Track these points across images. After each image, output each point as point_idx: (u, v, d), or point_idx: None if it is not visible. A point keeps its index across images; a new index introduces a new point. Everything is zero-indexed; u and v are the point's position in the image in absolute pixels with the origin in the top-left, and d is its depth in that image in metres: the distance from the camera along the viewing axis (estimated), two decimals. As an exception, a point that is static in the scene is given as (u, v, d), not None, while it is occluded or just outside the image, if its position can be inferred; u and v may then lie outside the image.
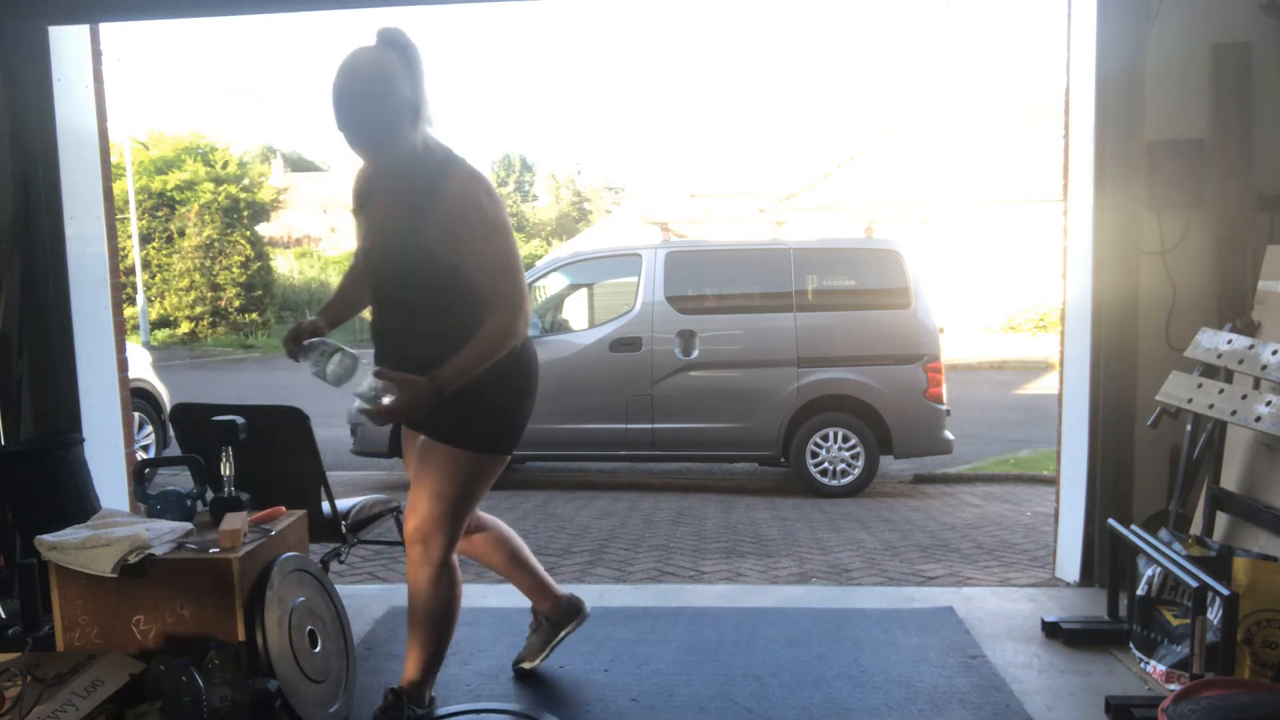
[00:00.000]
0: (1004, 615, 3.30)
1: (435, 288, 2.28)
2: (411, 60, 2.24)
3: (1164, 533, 2.93)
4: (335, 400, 9.99)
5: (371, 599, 3.54)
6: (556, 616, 2.83)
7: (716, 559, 4.33)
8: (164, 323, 23.88)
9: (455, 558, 2.42)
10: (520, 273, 2.29)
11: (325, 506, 3.29)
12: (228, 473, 2.60)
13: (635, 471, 7.30)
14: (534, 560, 2.84)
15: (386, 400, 2.18)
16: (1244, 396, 2.81)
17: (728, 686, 2.71)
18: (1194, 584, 2.37)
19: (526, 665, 2.82)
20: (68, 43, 3.76)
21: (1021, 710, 2.54)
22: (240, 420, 2.66)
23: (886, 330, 6.19)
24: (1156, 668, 2.68)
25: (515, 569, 2.79)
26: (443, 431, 2.33)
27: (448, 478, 2.33)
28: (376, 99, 2.19)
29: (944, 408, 6.26)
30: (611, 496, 6.16)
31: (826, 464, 6.22)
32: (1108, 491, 3.49)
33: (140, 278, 22.47)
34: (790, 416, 6.15)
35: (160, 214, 23.60)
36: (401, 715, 2.34)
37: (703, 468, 7.23)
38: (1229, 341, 3.00)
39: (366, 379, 2.21)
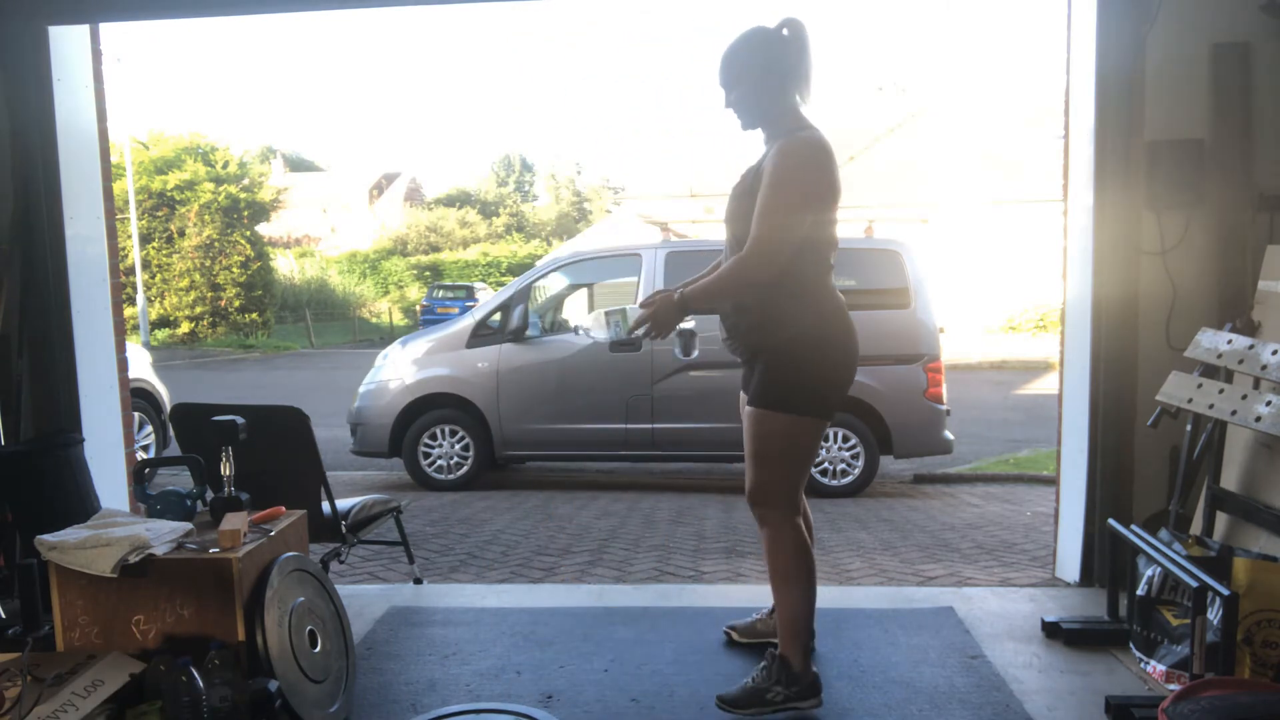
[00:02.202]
0: (1004, 615, 3.30)
1: None
2: (783, 41, 2.45)
3: (1164, 533, 2.93)
4: (335, 400, 9.95)
5: (371, 599, 3.54)
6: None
7: (716, 559, 4.33)
8: (164, 323, 23.90)
9: (798, 521, 2.52)
10: (780, 224, 2.35)
11: (325, 506, 3.29)
12: (228, 473, 2.60)
13: (635, 471, 7.30)
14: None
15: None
16: (1244, 396, 2.81)
17: (728, 686, 2.70)
18: (1194, 584, 2.37)
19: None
20: (68, 43, 3.76)
21: (1021, 710, 2.54)
22: (240, 420, 2.66)
23: (886, 330, 6.19)
24: (1156, 668, 2.68)
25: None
26: (754, 396, 2.49)
27: (762, 440, 2.46)
28: (737, 68, 2.46)
29: (944, 408, 6.26)
30: (611, 496, 6.16)
31: (826, 464, 6.22)
32: (1108, 491, 3.49)
33: (140, 278, 22.49)
34: (790, 416, 6.12)
35: (160, 214, 23.60)
36: (770, 676, 2.47)
37: (703, 468, 7.23)
38: (1229, 341, 3.00)
39: (636, 311, 2.51)
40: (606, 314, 2.58)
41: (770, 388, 2.45)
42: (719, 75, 2.52)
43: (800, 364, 2.45)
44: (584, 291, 8.16)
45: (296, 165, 52.69)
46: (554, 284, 7.48)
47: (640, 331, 2.49)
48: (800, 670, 2.49)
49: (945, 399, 6.29)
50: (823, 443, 6.19)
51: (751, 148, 2.61)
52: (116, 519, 2.49)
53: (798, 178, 2.37)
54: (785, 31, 2.46)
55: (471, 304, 17.00)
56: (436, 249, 40.09)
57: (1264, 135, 3.38)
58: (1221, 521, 3.09)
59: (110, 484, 3.80)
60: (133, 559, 2.26)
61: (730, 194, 2.54)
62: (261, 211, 24.92)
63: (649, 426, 6.32)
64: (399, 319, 31.59)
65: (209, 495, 2.64)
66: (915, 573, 4.05)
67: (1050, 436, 4.45)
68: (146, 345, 19.20)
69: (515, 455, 6.63)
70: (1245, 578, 2.47)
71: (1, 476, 3.10)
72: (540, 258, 28.33)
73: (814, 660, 2.70)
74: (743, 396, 2.69)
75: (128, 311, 15.57)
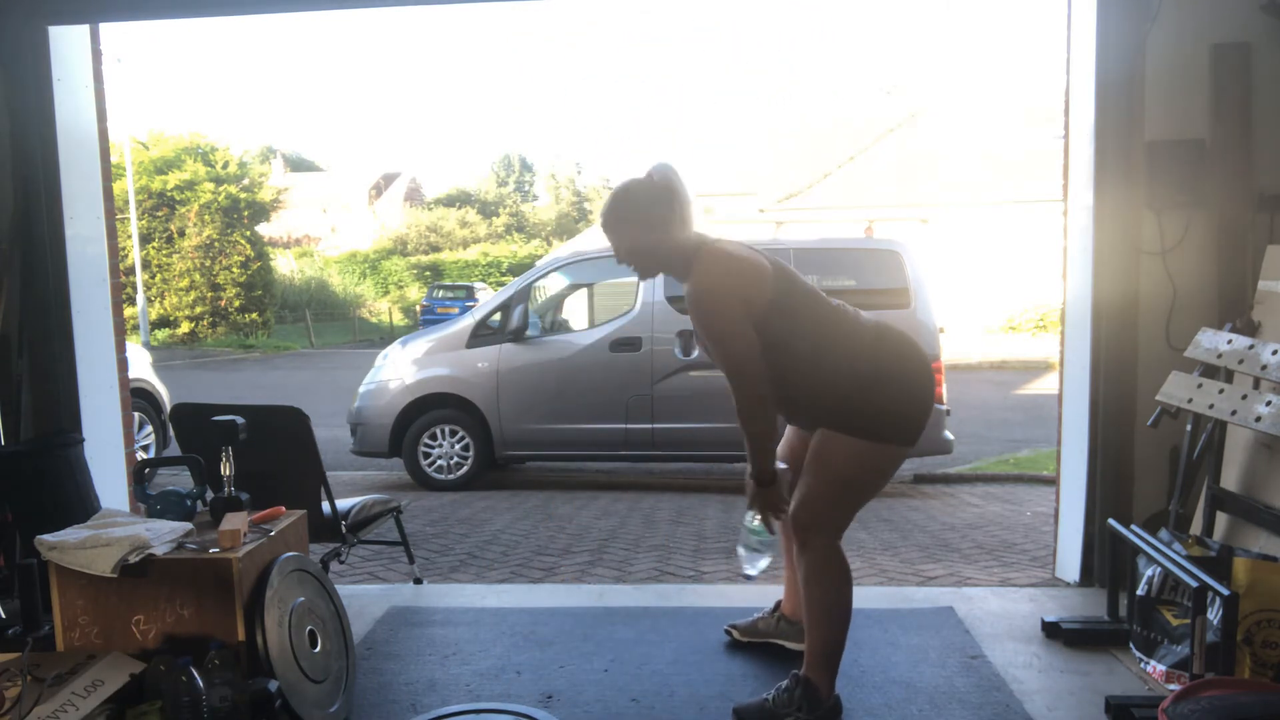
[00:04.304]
0: (1004, 615, 3.30)
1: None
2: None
3: (1164, 533, 2.93)
4: (335, 400, 9.94)
5: (371, 599, 3.54)
6: None
7: (716, 559, 4.33)
8: (164, 323, 23.91)
9: (841, 550, 2.46)
10: (736, 357, 2.32)
11: (325, 506, 3.29)
12: (228, 473, 2.60)
13: (635, 471, 7.30)
14: None
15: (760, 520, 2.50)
16: (1244, 396, 2.81)
17: (728, 686, 2.71)
18: (1194, 584, 2.37)
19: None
20: (68, 43, 3.76)
21: (1021, 710, 2.54)
22: (240, 420, 2.66)
23: (886, 330, 6.18)
24: (1156, 668, 2.68)
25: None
26: (837, 424, 2.42)
27: (836, 461, 2.40)
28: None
29: (944, 408, 6.26)
30: (611, 496, 6.16)
31: (826, 464, 6.21)
32: (1108, 491, 3.49)
33: (140, 278, 22.49)
34: (790, 416, 6.12)
35: (160, 214, 23.60)
36: (792, 700, 2.40)
37: (703, 468, 7.23)
38: (1229, 341, 3.00)
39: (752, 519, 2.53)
40: (745, 546, 2.61)
41: (855, 418, 2.37)
42: (607, 238, 2.48)
43: (879, 397, 2.37)
44: (584, 291, 8.15)
45: (296, 165, 52.69)
46: (554, 284, 7.48)
47: (762, 522, 2.50)
48: (825, 695, 2.42)
49: (945, 399, 6.29)
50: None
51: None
52: (116, 519, 2.49)
53: (718, 303, 2.32)
54: (653, 177, 2.41)
55: (471, 304, 17.00)
56: (436, 249, 40.09)
57: (1264, 135, 3.38)
58: (1221, 521, 3.09)
59: (110, 484, 3.80)
60: (133, 559, 2.26)
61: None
62: (261, 211, 24.92)
63: (649, 426, 6.32)
64: (399, 319, 31.59)
65: (209, 495, 2.64)
66: (915, 573, 4.04)
67: (1050, 436, 4.45)
68: (146, 345, 19.20)
69: (515, 455, 6.63)
70: (1245, 578, 2.47)
71: (1, 476, 3.10)
72: (540, 258, 28.32)
73: None
74: (792, 430, 2.69)
75: (128, 311, 15.56)
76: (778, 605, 3.00)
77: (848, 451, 2.37)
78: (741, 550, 2.61)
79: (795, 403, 2.51)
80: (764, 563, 2.58)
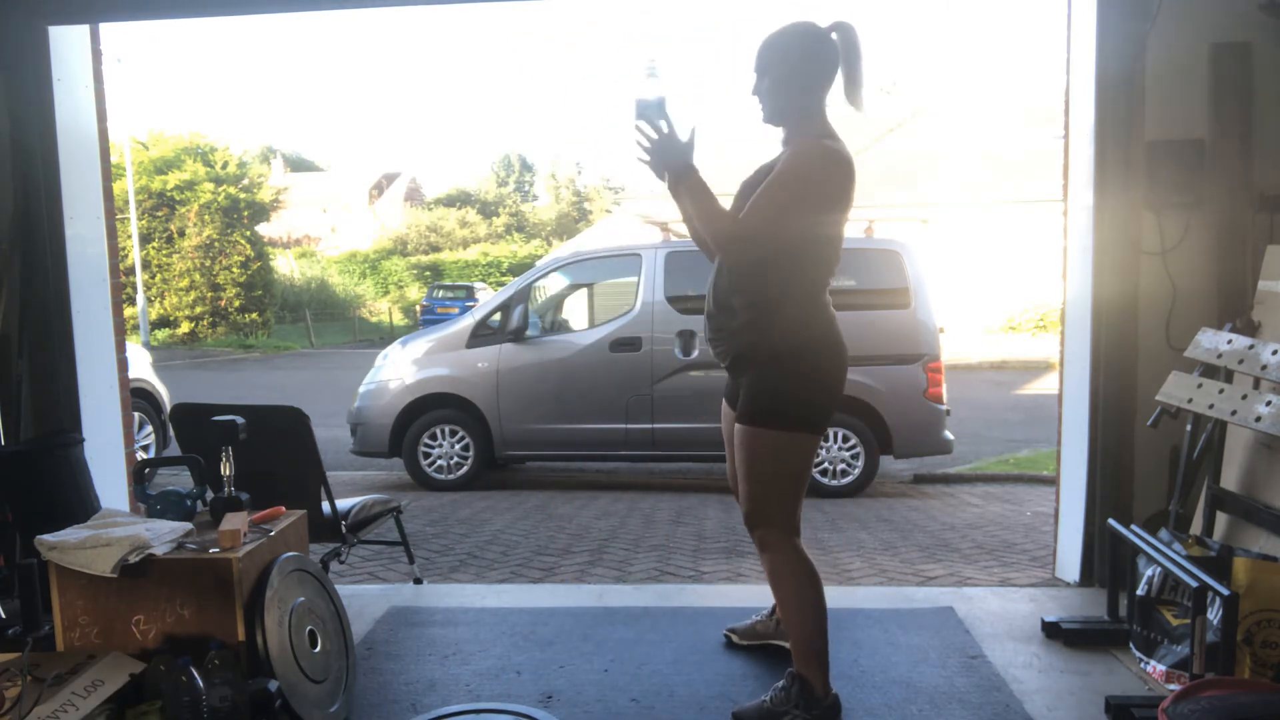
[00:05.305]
0: (1004, 615, 3.30)
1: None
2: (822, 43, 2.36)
3: (1164, 533, 2.93)
4: (335, 400, 9.93)
5: (371, 599, 3.54)
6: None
7: (716, 559, 4.33)
8: (164, 323, 23.91)
9: (800, 544, 2.44)
10: (770, 218, 2.28)
11: (325, 506, 3.29)
12: (228, 473, 2.60)
13: (635, 471, 7.30)
14: None
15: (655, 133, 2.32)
16: (1244, 396, 2.81)
17: (728, 686, 2.71)
18: (1194, 584, 2.37)
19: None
20: (68, 43, 3.76)
21: (1021, 710, 2.54)
22: (240, 420, 2.66)
23: (886, 330, 6.19)
24: (1156, 668, 2.68)
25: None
26: (742, 413, 2.41)
27: (753, 458, 2.39)
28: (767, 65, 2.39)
29: (944, 408, 6.26)
30: (611, 496, 6.16)
31: (826, 464, 6.22)
32: (1108, 491, 3.49)
33: (140, 278, 22.50)
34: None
35: (160, 214, 23.61)
36: (789, 699, 2.40)
37: (703, 468, 7.23)
38: (1229, 341, 3.00)
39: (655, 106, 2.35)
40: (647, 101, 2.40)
41: (757, 400, 2.37)
42: (754, 59, 2.43)
43: (788, 376, 2.35)
44: (584, 291, 8.16)
45: (296, 165, 52.69)
46: (554, 284, 7.48)
47: (643, 138, 2.33)
48: (822, 693, 2.40)
49: (945, 399, 6.29)
50: (823, 443, 6.19)
51: (752, 149, 2.59)
52: (116, 519, 2.49)
53: (803, 181, 2.29)
54: (834, 35, 2.37)
55: (471, 304, 17.00)
56: (436, 249, 40.09)
57: (1264, 135, 3.38)
58: (1221, 521, 3.09)
59: (110, 484, 3.80)
60: (133, 559, 2.26)
61: (738, 190, 2.47)
62: (261, 211, 24.93)
63: (649, 426, 6.32)
64: (399, 319, 31.60)
65: (209, 495, 2.64)
66: (915, 573, 4.04)
67: (1050, 436, 4.44)
68: (146, 345, 19.20)
69: (515, 455, 6.63)
70: (1245, 578, 2.47)
71: (1, 476, 3.10)
72: (540, 258, 28.33)
73: None
74: (726, 410, 2.64)
75: (128, 311, 15.57)
76: (775, 608, 3.00)
77: (763, 443, 2.37)
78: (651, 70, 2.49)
79: (733, 317, 2.41)
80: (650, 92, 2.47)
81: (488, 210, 49.03)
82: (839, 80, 2.37)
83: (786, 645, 2.88)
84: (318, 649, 2.49)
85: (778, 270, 2.35)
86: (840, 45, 2.36)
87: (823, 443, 6.20)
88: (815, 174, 2.30)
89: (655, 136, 2.32)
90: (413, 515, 5.34)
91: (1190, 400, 2.99)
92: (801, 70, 2.37)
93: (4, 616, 2.50)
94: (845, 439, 6.22)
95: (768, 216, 2.28)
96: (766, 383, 2.37)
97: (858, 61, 2.36)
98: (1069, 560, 3.68)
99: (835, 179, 2.32)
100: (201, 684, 2.13)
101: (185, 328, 23.65)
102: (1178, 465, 3.25)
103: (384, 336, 26.60)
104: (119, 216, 16.79)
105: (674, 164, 2.32)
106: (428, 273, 35.24)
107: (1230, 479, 3.08)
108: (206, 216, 23.29)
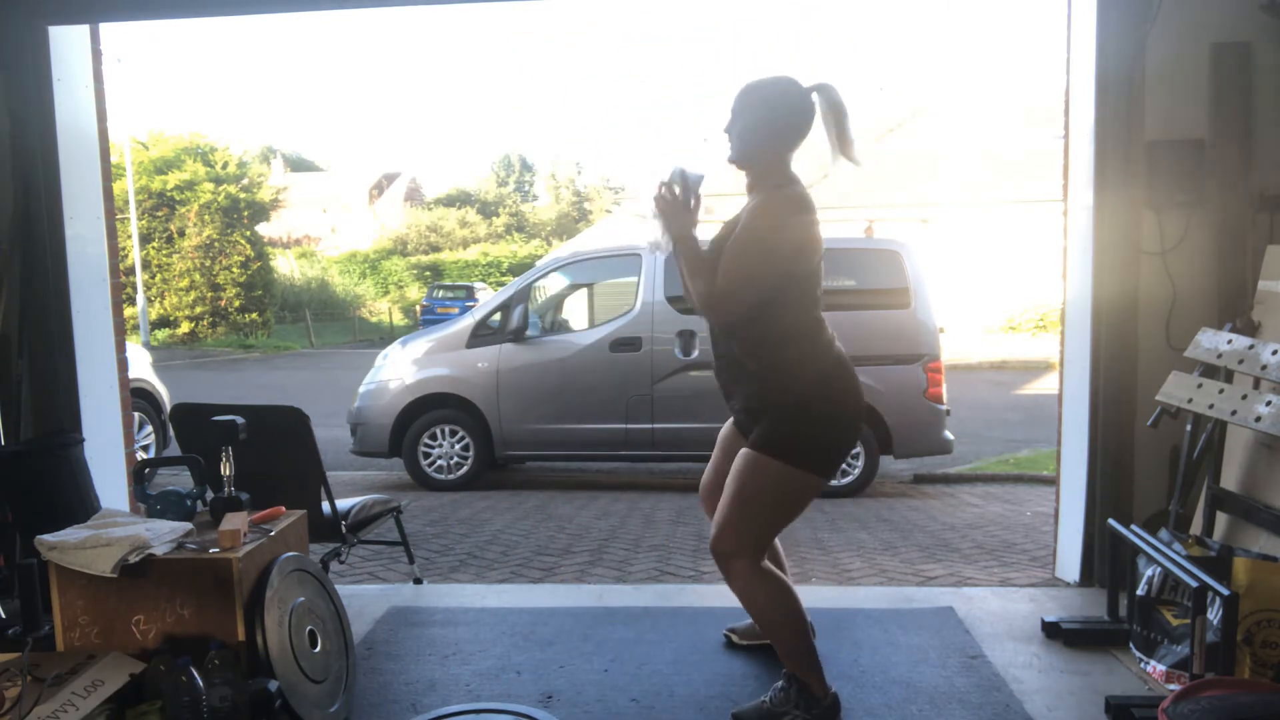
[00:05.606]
0: (1004, 615, 3.30)
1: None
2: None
3: (1164, 533, 2.93)
4: (335, 400, 9.93)
5: (371, 599, 3.54)
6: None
7: (716, 559, 4.32)
8: (164, 323, 23.91)
9: (766, 565, 2.43)
10: (744, 276, 2.33)
11: (325, 506, 3.29)
12: (228, 473, 2.60)
13: (635, 471, 7.30)
14: None
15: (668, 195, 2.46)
16: (1244, 396, 2.81)
17: (728, 686, 2.71)
18: (1194, 584, 2.37)
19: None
20: (68, 43, 3.76)
21: (1021, 710, 2.54)
22: (240, 420, 2.66)
23: (886, 330, 6.19)
24: (1156, 668, 2.68)
25: None
26: (758, 441, 2.40)
27: (755, 484, 2.38)
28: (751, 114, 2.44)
29: (944, 408, 6.26)
30: (611, 496, 6.16)
31: (826, 464, 6.21)
32: (1108, 491, 3.49)
33: (140, 278, 22.50)
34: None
35: (160, 214, 23.61)
36: (789, 699, 2.40)
37: (703, 468, 7.20)
38: (1229, 341, 3.00)
39: (693, 180, 2.49)
40: (672, 175, 2.52)
41: (779, 427, 2.38)
42: (733, 99, 2.49)
43: (808, 420, 2.38)
44: (584, 291, 8.15)
45: (296, 165, 52.70)
46: (554, 284, 7.47)
47: (665, 196, 2.45)
48: (820, 693, 2.42)
49: (945, 399, 6.29)
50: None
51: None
52: (116, 519, 2.49)
53: (771, 231, 2.34)
54: (815, 95, 2.43)
55: (471, 304, 17.00)
56: (436, 249, 40.09)
57: (1264, 135, 3.38)
58: (1221, 521, 3.09)
59: (110, 484, 3.80)
60: (133, 559, 2.26)
61: (707, 247, 2.50)
62: (261, 211, 24.92)
63: (649, 426, 6.32)
64: (399, 319, 31.59)
65: (209, 495, 2.64)
66: (915, 573, 4.05)
67: (1050, 436, 4.44)
68: (146, 345, 19.20)
69: (515, 455, 6.63)
70: (1245, 578, 2.47)
71: (1, 476, 3.10)
72: (540, 258, 28.32)
73: None
74: (731, 432, 2.68)
75: (128, 311, 15.57)
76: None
77: (767, 473, 2.37)
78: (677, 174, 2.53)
79: (741, 370, 2.47)
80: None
81: (488, 210, 49.04)
82: (829, 140, 2.45)
83: None
84: (318, 649, 2.49)
85: (770, 320, 2.39)
86: (824, 106, 2.43)
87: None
88: (778, 224, 2.36)
89: (677, 202, 2.44)
90: (413, 515, 5.34)
91: (1190, 400, 2.99)
92: (776, 121, 2.43)
93: (4, 616, 2.50)
94: (845, 439, 6.21)
95: (741, 274, 2.34)
96: (786, 424, 2.38)
97: (845, 119, 2.44)
98: (1069, 560, 3.68)
99: (799, 224, 2.38)
100: (201, 684, 2.13)
101: (185, 328, 23.66)
102: (1178, 465, 3.25)
103: (384, 336, 26.60)
104: (119, 216, 16.79)
105: (682, 230, 2.44)
106: (428, 273, 35.24)
107: (1230, 479, 3.08)
108: (206, 216, 23.29)
